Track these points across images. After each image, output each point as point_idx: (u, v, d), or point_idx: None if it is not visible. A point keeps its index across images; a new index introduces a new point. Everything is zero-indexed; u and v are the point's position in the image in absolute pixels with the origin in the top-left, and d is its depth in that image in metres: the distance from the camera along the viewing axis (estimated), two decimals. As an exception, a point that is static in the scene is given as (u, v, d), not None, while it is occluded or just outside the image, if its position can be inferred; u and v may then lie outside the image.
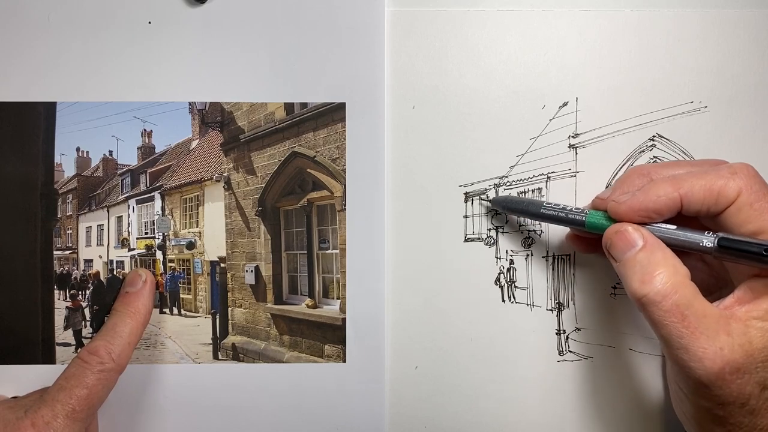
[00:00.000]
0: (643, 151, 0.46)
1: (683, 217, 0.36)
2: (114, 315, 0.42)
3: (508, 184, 0.46)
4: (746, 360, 0.32)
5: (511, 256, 0.46)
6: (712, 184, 0.34)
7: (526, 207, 0.42)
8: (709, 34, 0.45)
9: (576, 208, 0.40)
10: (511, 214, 0.45)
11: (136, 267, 0.47)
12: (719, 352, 0.32)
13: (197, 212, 0.48)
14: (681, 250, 0.36)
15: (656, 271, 0.34)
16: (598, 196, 0.40)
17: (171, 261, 0.48)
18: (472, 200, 0.46)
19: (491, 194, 0.46)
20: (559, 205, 0.40)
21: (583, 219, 0.39)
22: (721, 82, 0.45)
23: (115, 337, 0.40)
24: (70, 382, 0.38)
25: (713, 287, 0.40)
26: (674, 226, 0.36)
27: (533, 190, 0.46)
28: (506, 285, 0.46)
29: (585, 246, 0.43)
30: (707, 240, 0.35)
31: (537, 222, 0.46)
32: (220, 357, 0.46)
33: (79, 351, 0.40)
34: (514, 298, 0.46)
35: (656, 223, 0.36)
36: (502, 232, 0.46)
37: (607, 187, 0.46)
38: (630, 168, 0.42)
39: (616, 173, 0.46)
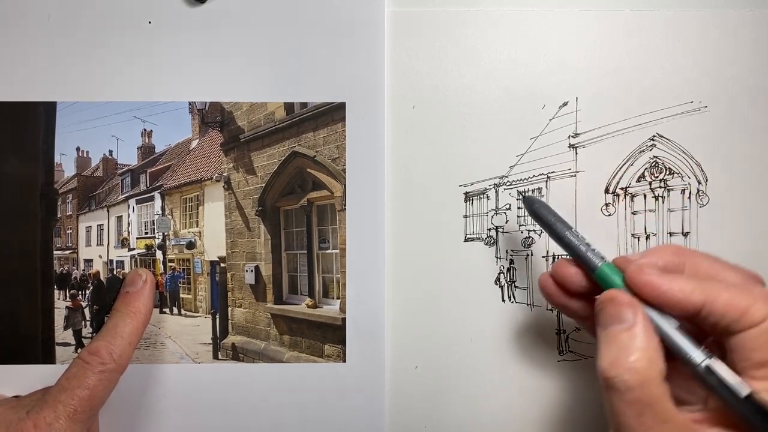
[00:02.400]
0: (643, 151, 0.46)
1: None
2: (114, 315, 0.42)
3: (508, 184, 0.46)
4: None
5: (511, 256, 0.46)
6: (739, 300, 0.31)
7: (553, 221, 0.37)
8: (709, 34, 0.45)
9: (596, 252, 0.36)
10: (533, 217, 0.39)
11: (136, 267, 0.47)
12: None
13: (197, 212, 0.48)
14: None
15: (631, 357, 0.31)
16: (624, 257, 0.36)
17: (171, 261, 0.48)
18: (472, 200, 0.46)
19: (491, 194, 0.46)
20: (585, 240, 0.37)
21: (598, 264, 0.35)
22: (721, 82, 0.45)
23: (116, 337, 0.40)
24: (71, 383, 0.38)
25: (691, 391, 0.36)
26: (677, 323, 0.33)
27: (533, 190, 0.46)
28: (506, 285, 0.46)
29: (555, 296, 0.38)
30: (697, 356, 0.32)
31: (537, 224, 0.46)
32: (220, 357, 0.46)
33: (80, 351, 0.40)
34: (514, 297, 0.46)
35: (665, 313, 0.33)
36: (502, 232, 0.46)
37: (606, 187, 0.46)
38: (665, 244, 0.39)
39: (616, 173, 0.46)
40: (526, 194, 0.43)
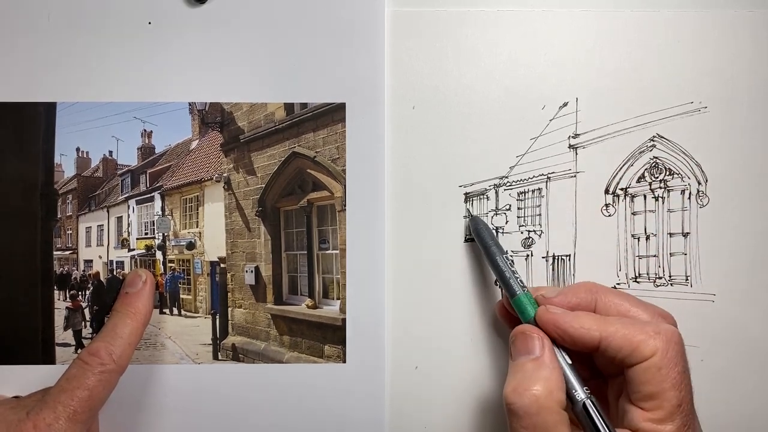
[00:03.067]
0: (643, 151, 0.46)
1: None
2: (114, 316, 0.42)
3: (508, 184, 0.46)
4: None
5: (511, 256, 0.46)
6: (633, 336, 0.34)
7: (490, 243, 0.42)
8: (709, 34, 0.45)
9: (521, 282, 0.40)
10: (475, 236, 0.44)
11: (136, 267, 0.47)
12: None
13: (197, 212, 0.48)
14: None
15: (533, 387, 0.34)
16: (542, 293, 0.39)
17: (171, 261, 0.48)
18: (472, 200, 0.46)
19: (491, 195, 0.46)
20: (513, 267, 0.40)
21: (517, 293, 0.39)
22: (721, 82, 0.45)
23: (116, 338, 0.40)
24: (71, 384, 0.38)
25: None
26: (569, 362, 0.36)
27: (533, 190, 0.46)
28: (506, 285, 0.46)
29: (509, 319, 0.42)
30: (580, 394, 0.35)
31: (538, 223, 0.46)
32: (220, 357, 0.46)
33: (79, 352, 0.40)
34: (514, 298, 0.46)
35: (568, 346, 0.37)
36: (502, 232, 0.46)
37: (606, 188, 0.46)
38: (582, 282, 0.42)
39: (617, 173, 0.46)
40: (473, 215, 0.45)
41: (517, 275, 0.40)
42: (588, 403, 0.35)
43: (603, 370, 0.38)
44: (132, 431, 0.45)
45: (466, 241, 0.46)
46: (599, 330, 0.35)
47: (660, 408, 0.33)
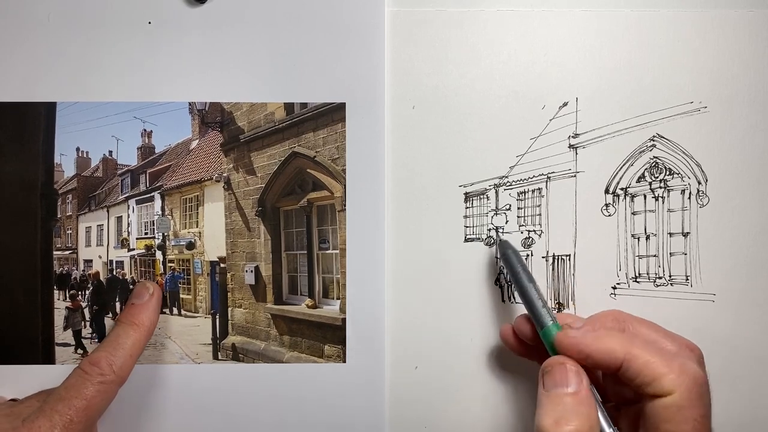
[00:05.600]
0: (643, 151, 0.46)
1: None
2: (118, 326, 0.41)
3: (508, 184, 0.46)
4: None
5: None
6: (655, 367, 0.34)
7: (519, 270, 0.40)
8: (709, 34, 0.45)
9: (552, 312, 0.39)
10: (503, 261, 0.42)
11: (144, 279, 0.46)
12: None
13: (197, 212, 0.48)
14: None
15: (574, 421, 0.33)
16: (569, 323, 0.38)
17: (171, 261, 0.48)
18: (472, 200, 0.46)
19: (491, 195, 0.46)
20: (542, 296, 0.39)
21: (547, 324, 0.38)
22: (721, 82, 0.45)
23: (117, 349, 0.40)
24: (69, 393, 0.38)
25: None
26: (599, 399, 0.36)
27: (533, 190, 0.46)
28: (506, 285, 0.46)
29: (516, 345, 0.42)
30: None
31: (538, 223, 0.46)
32: (220, 357, 0.46)
33: (80, 361, 0.39)
34: (514, 298, 0.46)
35: (590, 369, 0.36)
36: (502, 232, 0.46)
37: (606, 188, 0.46)
38: (608, 310, 0.41)
39: (617, 173, 0.46)
40: (502, 239, 0.44)
41: (546, 306, 0.39)
42: None
43: (615, 398, 0.38)
44: (132, 431, 0.45)
45: (466, 240, 0.46)
46: (623, 350, 0.35)
47: None
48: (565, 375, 0.35)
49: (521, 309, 0.46)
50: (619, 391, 0.37)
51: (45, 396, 0.39)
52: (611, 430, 0.35)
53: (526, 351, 0.41)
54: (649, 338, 0.37)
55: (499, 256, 0.43)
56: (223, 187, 0.47)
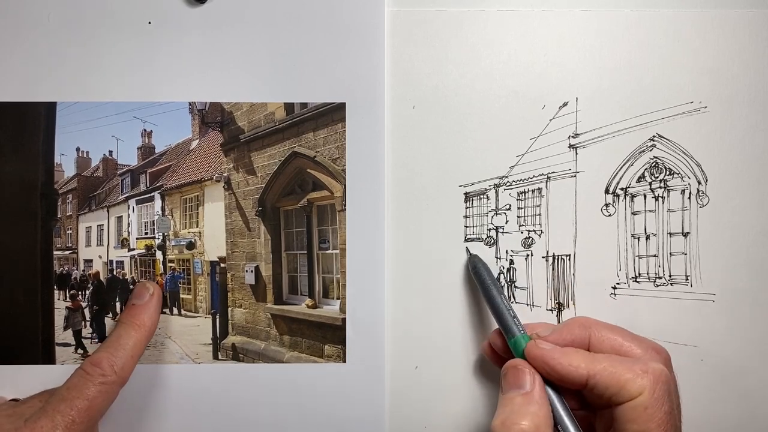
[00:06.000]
0: (643, 151, 0.46)
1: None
2: (119, 327, 0.41)
3: (508, 184, 0.46)
4: None
5: (511, 256, 0.46)
6: (620, 375, 0.35)
7: (489, 284, 0.42)
8: (709, 34, 0.45)
9: (519, 323, 0.40)
10: (474, 275, 0.44)
11: (144, 280, 0.46)
12: None
13: (197, 212, 0.48)
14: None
15: (521, 421, 0.34)
16: (538, 332, 0.40)
17: (171, 261, 0.48)
18: (472, 200, 0.46)
19: (491, 195, 0.46)
20: (511, 308, 0.40)
21: (516, 334, 0.39)
22: (721, 82, 0.45)
23: (119, 350, 0.40)
24: (71, 393, 0.38)
25: None
26: (565, 408, 0.37)
27: (533, 190, 0.46)
28: (506, 285, 0.46)
29: (495, 358, 0.42)
30: None
31: (538, 223, 0.46)
32: (220, 357, 0.46)
33: (82, 362, 0.40)
34: (514, 298, 0.46)
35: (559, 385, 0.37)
36: (502, 232, 0.46)
37: (606, 187, 0.46)
38: (576, 317, 0.42)
39: (617, 173, 0.46)
40: (472, 254, 0.45)
41: (515, 317, 0.40)
42: None
43: (591, 403, 0.38)
44: (132, 431, 0.45)
45: (466, 240, 0.46)
46: (587, 368, 0.35)
47: None
48: (518, 377, 0.37)
49: (522, 309, 0.46)
50: (592, 397, 0.38)
51: (47, 396, 0.39)
52: (573, 428, 0.36)
53: (503, 363, 0.41)
54: (615, 343, 0.38)
55: (470, 270, 0.44)
56: (223, 187, 0.47)
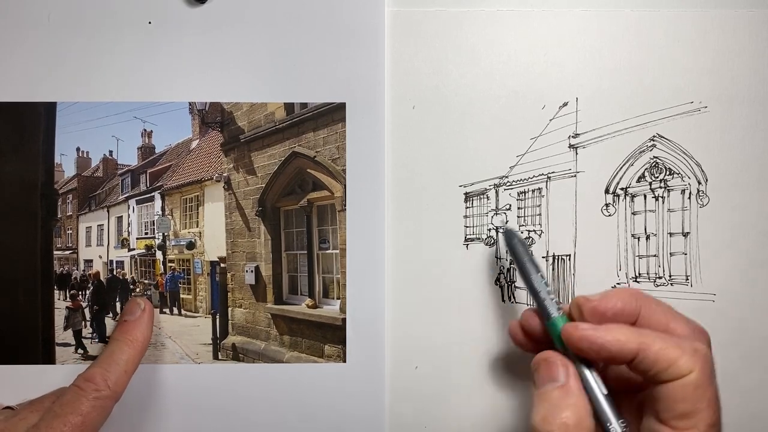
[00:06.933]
0: (643, 151, 0.46)
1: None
2: (112, 343, 0.42)
3: (508, 184, 0.46)
4: None
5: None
6: (670, 352, 0.33)
7: (525, 261, 0.39)
8: (709, 34, 0.45)
9: (558, 303, 0.38)
10: (509, 251, 0.41)
11: (134, 296, 0.46)
12: None
13: (197, 212, 0.48)
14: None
15: (562, 415, 0.33)
16: (585, 297, 0.37)
17: (171, 261, 0.48)
18: (472, 200, 0.46)
19: (491, 195, 0.46)
20: (549, 286, 0.38)
21: (552, 315, 0.37)
22: (721, 82, 0.45)
23: (112, 365, 0.40)
24: (64, 409, 0.38)
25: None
26: (605, 392, 0.35)
27: (533, 190, 0.46)
28: (506, 285, 0.46)
29: (525, 341, 0.40)
30: (616, 428, 0.34)
31: (538, 223, 0.46)
32: (220, 357, 0.46)
33: (75, 378, 0.40)
34: (514, 298, 0.46)
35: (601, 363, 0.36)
36: (506, 222, 0.46)
37: (606, 188, 0.46)
38: (624, 288, 0.40)
39: (617, 173, 0.46)
40: (507, 228, 0.43)
41: (552, 296, 0.38)
42: None
43: (618, 387, 0.38)
44: (132, 431, 0.45)
45: (466, 241, 0.46)
46: (636, 341, 0.34)
47: (694, 428, 0.33)
48: (552, 370, 0.35)
49: (521, 309, 0.46)
50: (622, 378, 0.37)
51: (39, 406, 0.39)
52: (616, 421, 0.34)
53: (535, 347, 0.40)
54: (663, 319, 0.37)
55: (505, 246, 0.41)
56: (224, 187, 0.47)
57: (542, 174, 0.46)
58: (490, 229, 0.46)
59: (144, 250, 0.48)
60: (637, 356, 0.34)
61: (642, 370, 0.34)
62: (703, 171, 0.45)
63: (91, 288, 0.47)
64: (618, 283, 0.46)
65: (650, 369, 0.34)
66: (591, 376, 0.36)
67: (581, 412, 0.34)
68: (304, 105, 0.45)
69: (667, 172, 0.46)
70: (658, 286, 0.46)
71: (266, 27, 0.45)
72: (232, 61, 0.45)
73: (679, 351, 0.33)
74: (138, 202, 0.48)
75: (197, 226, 0.47)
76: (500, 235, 0.44)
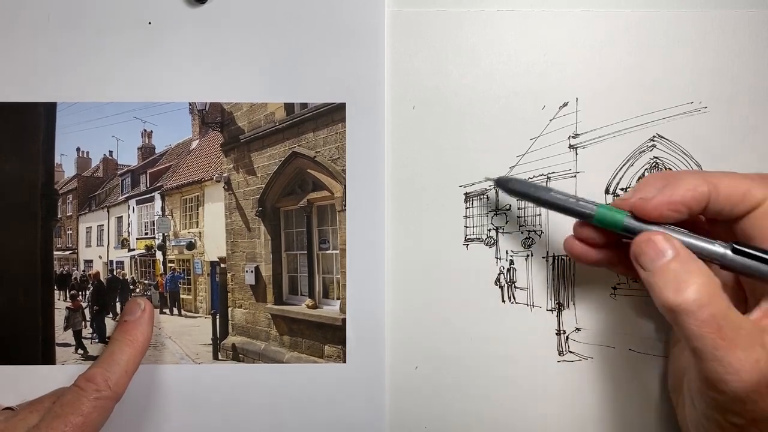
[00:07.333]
0: (643, 151, 0.46)
1: (699, 225, 0.36)
2: (112, 343, 0.42)
3: (508, 184, 0.46)
4: None
5: (511, 256, 0.46)
6: (739, 183, 0.34)
7: (533, 192, 0.39)
8: (709, 34, 0.45)
9: (586, 200, 0.38)
10: (514, 196, 0.41)
11: (134, 296, 0.46)
12: (756, 365, 0.31)
13: (197, 212, 0.48)
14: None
15: (691, 280, 0.32)
16: (620, 197, 0.38)
17: (171, 261, 0.48)
18: (473, 200, 0.46)
19: (491, 195, 0.46)
20: (568, 194, 0.38)
21: (595, 209, 0.37)
22: (721, 82, 0.45)
23: (113, 365, 0.40)
24: (65, 410, 0.38)
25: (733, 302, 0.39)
26: (686, 231, 0.35)
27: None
28: (506, 285, 0.46)
29: (583, 252, 0.40)
30: (720, 246, 0.34)
31: (538, 223, 0.46)
32: (220, 357, 0.46)
33: (76, 378, 0.40)
34: (514, 298, 0.46)
35: (680, 221, 0.35)
36: (502, 233, 0.46)
37: (606, 188, 0.46)
38: (655, 173, 0.40)
39: (617, 173, 0.46)
40: (493, 178, 0.42)
41: (579, 199, 0.37)
42: (735, 247, 0.34)
43: (711, 226, 0.37)
44: (132, 431, 0.45)
45: (466, 241, 0.46)
46: (706, 182, 0.34)
47: None
48: (657, 246, 0.34)
49: (522, 309, 0.46)
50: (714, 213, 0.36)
51: (38, 406, 0.39)
52: (717, 242, 0.34)
53: (598, 255, 0.39)
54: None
55: (506, 194, 0.41)
56: (223, 187, 0.47)
57: (542, 174, 0.46)
58: (490, 229, 0.46)
59: (144, 251, 0.48)
60: (710, 199, 0.34)
61: (718, 211, 0.34)
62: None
63: (91, 288, 0.47)
64: (618, 284, 0.46)
65: (725, 207, 0.34)
66: (676, 233, 0.35)
67: (707, 272, 0.33)
68: (304, 105, 0.45)
69: (667, 172, 0.46)
70: (658, 286, 0.46)
71: (266, 27, 0.45)
72: (232, 61, 0.45)
73: (748, 181, 0.34)
74: (138, 203, 0.48)
75: (197, 227, 0.47)
76: (497, 187, 0.43)
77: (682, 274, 0.33)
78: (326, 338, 0.46)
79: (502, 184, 0.41)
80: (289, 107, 0.46)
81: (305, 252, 0.47)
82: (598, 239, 0.39)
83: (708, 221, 0.37)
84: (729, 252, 0.34)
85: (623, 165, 0.46)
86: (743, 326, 0.32)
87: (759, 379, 0.31)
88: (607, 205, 0.37)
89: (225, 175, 0.47)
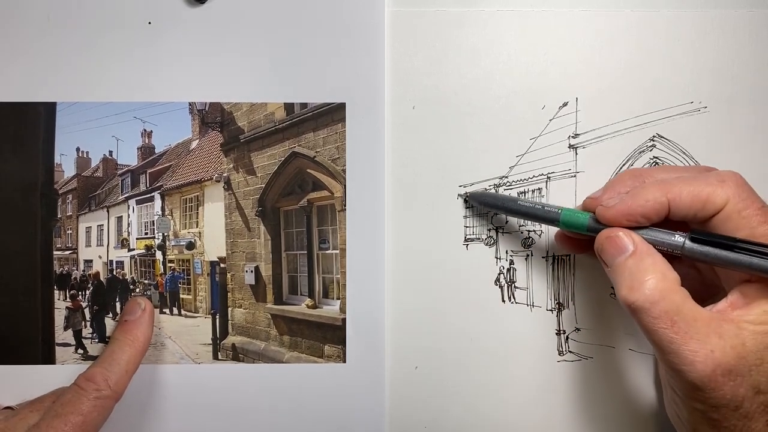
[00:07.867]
0: (643, 151, 0.46)
1: (672, 223, 0.37)
2: (112, 342, 0.42)
3: (508, 184, 0.46)
4: (738, 362, 0.32)
5: (511, 256, 0.46)
6: (699, 190, 0.34)
7: (501, 203, 0.42)
8: (709, 34, 0.45)
9: (551, 205, 0.40)
10: (486, 208, 0.45)
11: (135, 296, 0.46)
12: (710, 355, 0.32)
13: (197, 212, 0.48)
14: (672, 258, 0.36)
15: (645, 278, 0.34)
16: (589, 197, 0.40)
17: (171, 261, 0.48)
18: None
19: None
20: (534, 201, 0.40)
21: (559, 215, 0.39)
22: (721, 82, 0.45)
23: (113, 365, 0.40)
24: (65, 409, 0.38)
25: (705, 295, 0.40)
26: (648, 227, 0.37)
27: (533, 191, 0.46)
28: (506, 285, 0.46)
29: (572, 245, 0.43)
30: (679, 237, 0.35)
31: (537, 223, 0.46)
32: (220, 357, 0.46)
33: (76, 378, 0.40)
34: (514, 298, 0.46)
35: (643, 227, 0.37)
36: (502, 233, 0.46)
37: (607, 187, 0.46)
38: (622, 171, 0.42)
39: (616, 173, 0.46)
40: (467, 193, 0.45)
41: (544, 203, 0.40)
42: (693, 236, 0.35)
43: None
44: (132, 431, 0.45)
45: (465, 241, 0.46)
46: (664, 194, 0.35)
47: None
48: (616, 243, 0.36)
49: (522, 309, 0.46)
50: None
51: (38, 405, 0.39)
52: (675, 233, 0.35)
53: (585, 246, 0.42)
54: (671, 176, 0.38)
55: (477, 206, 0.45)
56: (223, 187, 0.47)
57: (542, 174, 0.46)
58: (489, 229, 0.46)
59: (144, 251, 0.48)
60: (671, 208, 0.35)
61: (682, 217, 0.35)
62: (703, 171, 0.45)
63: (91, 288, 0.47)
64: (618, 283, 0.46)
65: (688, 214, 0.35)
66: (644, 231, 0.36)
67: (662, 267, 0.34)
68: (304, 105, 0.45)
69: (667, 172, 0.46)
70: (658, 286, 0.46)
71: (266, 27, 0.45)
72: (232, 61, 0.45)
73: (709, 187, 0.34)
74: (138, 202, 0.48)
75: (197, 226, 0.47)
76: (470, 201, 0.45)
77: (637, 271, 0.34)
78: (326, 338, 0.46)
79: (475, 198, 0.44)
80: (288, 107, 0.46)
81: (305, 252, 0.47)
82: (577, 236, 0.41)
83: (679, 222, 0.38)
84: (688, 241, 0.35)
85: (623, 165, 0.46)
86: (699, 318, 0.33)
87: (714, 369, 0.32)
88: (573, 208, 0.39)
89: (225, 175, 0.47)
